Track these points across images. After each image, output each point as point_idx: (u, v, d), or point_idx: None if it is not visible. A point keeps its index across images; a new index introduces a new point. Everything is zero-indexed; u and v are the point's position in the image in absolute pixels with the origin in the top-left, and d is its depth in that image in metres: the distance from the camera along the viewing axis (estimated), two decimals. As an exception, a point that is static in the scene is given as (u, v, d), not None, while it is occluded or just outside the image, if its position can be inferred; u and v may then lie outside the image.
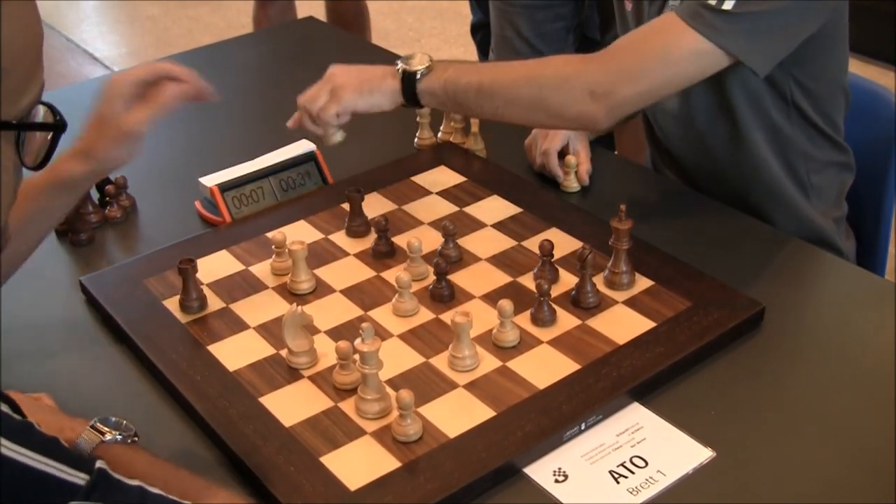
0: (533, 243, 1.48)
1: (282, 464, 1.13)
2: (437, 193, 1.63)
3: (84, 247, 1.58)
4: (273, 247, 1.46)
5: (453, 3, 4.76)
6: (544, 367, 1.26)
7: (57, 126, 0.90)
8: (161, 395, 1.29)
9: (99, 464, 0.85)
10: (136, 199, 1.69)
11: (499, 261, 1.47)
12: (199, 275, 1.41)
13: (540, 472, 1.15)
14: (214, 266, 1.48)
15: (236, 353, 1.31)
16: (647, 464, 1.16)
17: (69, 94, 2.04)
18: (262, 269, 1.47)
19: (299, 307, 1.26)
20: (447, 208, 1.59)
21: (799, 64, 1.53)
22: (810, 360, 1.32)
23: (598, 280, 1.40)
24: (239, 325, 1.36)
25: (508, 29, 2.53)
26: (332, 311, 1.38)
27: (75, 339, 1.41)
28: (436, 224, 1.55)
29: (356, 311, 1.38)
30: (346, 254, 1.50)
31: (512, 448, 1.15)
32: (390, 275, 1.44)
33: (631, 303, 1.37)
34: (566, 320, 1.34)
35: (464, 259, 1.47)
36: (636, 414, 1.23)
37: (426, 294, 1.39)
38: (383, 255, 1.48)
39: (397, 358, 1.27)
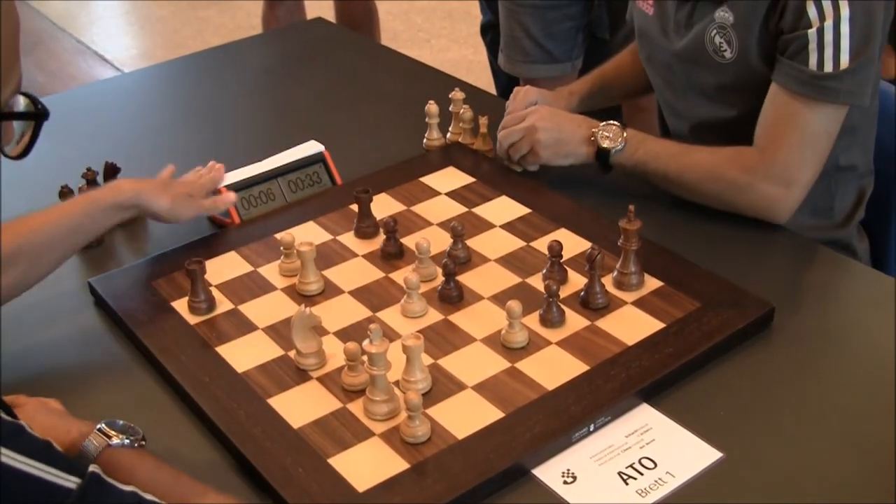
0: (541, 244, 1.48)
1: (290, 465, 1.13)
2: (445, 194, 1.63)
3: (93, 248, 1.58)
4: (282, 248, 1.46)
5: (463, 4, 4.75)
6: (553, 368, 1.26)
7: (39, 114, 0.90)
8: (169, 397, 1.29)
9: (92, 468, 0.85)
10: (146, 200, 1.69)
11: (507, 261, 1.46)
12: (207, 276, 1.41)
13: (548, 473, 1.15)
14: (223, 267, 1.48)
15: (245, 354, 1.31)
16: (656, 465, 1.15)
17: (80, 95, 2.04)
18: (270, 271, 1.47)
19: (308, 308, 1.26)
20: (456, 209, 1.59)
21: None
22: (821, 361, 1.32)
23: (607, 281, 1.40)
24: (247, 327, 1.36)
25: (518, 29, 2.52)
26: (340, 312, 1.37)
27: (84, 341, 1.41)
28: (444, 225, 1.54)
29: (365, 312, 1.38)
30: (355, 255, 1.50)
31: (520, 449, 1.14)
32: (399, 276, 1.43)
33: (640, 303, 1.37)
34: (575, 321, 1.34)
35: (472, 260, 1.47)
36: (645, 415, 1.22)
37: (435, 295, 1.39)
38: (392, 255, 1.48)
39: (406, 359, 1.27)
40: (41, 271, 1.35)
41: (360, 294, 1.41)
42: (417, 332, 1.30)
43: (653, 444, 1.18)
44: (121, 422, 1.13)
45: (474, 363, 1.28)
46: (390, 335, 1.31)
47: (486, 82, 3.15)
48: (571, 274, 1.42)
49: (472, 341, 1.31)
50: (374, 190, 1.59)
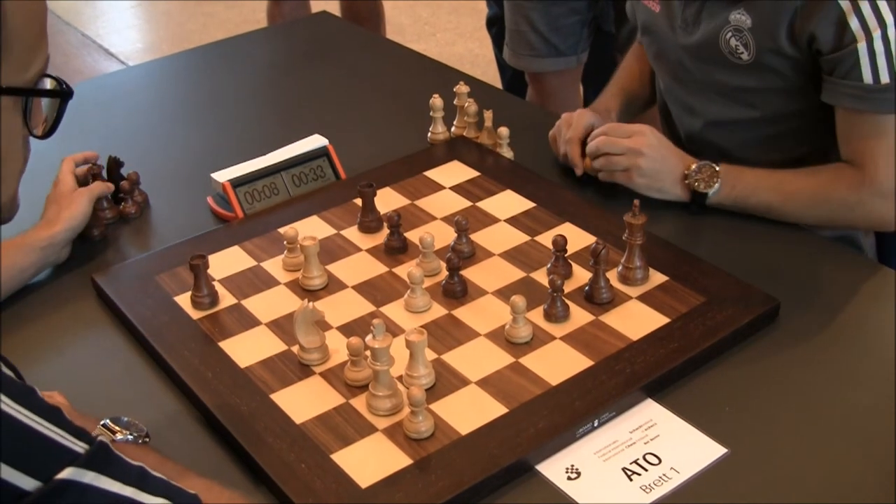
0: (546, 238, 1.47)
1: (293, 461, 1.13)
2: (449, 188, 1.63)
3: (96, 243, 1.57)
4: (285, 242, 1.45)
5: (469, -3, 4.75)
6: (557, 364, 1.25)
7: (64, 93, 0.91)
8: (172, 392, 1.28)
9: (101, 438, 0.85)
10: (148, 194, 1.68)
11: (512, 256, 1.46)
12: (210, 271, 1.40)
13: (552, 469, 1.14)
14: (226, 262, 1.47)
15: (248, 349, 1.30)
16: (660, 461, 1.15)
17: (85, 89, 2.03)
18: (274, 265, 1.46)
19: (311, 303, 1.26)
20: (460, 203, 1.59)
21: None
22: (827, 356, 1.31)
23: (612, 275, 1.39)
24: (250, 322, 1.36)
25: (523, 23, 2.52)
26: (343, 307, 1.37)
27: (87, 336, 1.41)
28: (448, 219, 1.54)
29: (368, 307, 1.37)
30: (359, 249, 1.49)
31: (524, 445, 1.14)
32: (402, 270, 1.43)
33: (645, 298, 1.36)
34: (579, 316, 1.33)
35: (476, 254, 1.46)
36: (650, 410, 1.22)
37: (438, 290, 1.39)
38: (395, 250, 1.47)
39: (409, 354, 1.26)
40: None
41: (364, 289, 1.41)
42: (421, 327, 1.30)
43: (657, 439, 1.18)
44: (125, 418, 1.13)
45: (478, 358, 1.27)
46: (394, 330, 1.30)
47: (492, 76, 3.15)
48: (576, 268, 1.42)
49: (476, 336, 1.31)
50: (378, 184, 1.58)
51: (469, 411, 1.19)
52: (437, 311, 1.35)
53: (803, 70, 1.53)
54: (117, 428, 1.10)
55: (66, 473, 0.80)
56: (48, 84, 0.90)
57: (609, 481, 1.12)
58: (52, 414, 0.82)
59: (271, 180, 1.63)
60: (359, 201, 1.55)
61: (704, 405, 1.23)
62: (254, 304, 1.39)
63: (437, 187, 1.63)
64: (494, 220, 1.54)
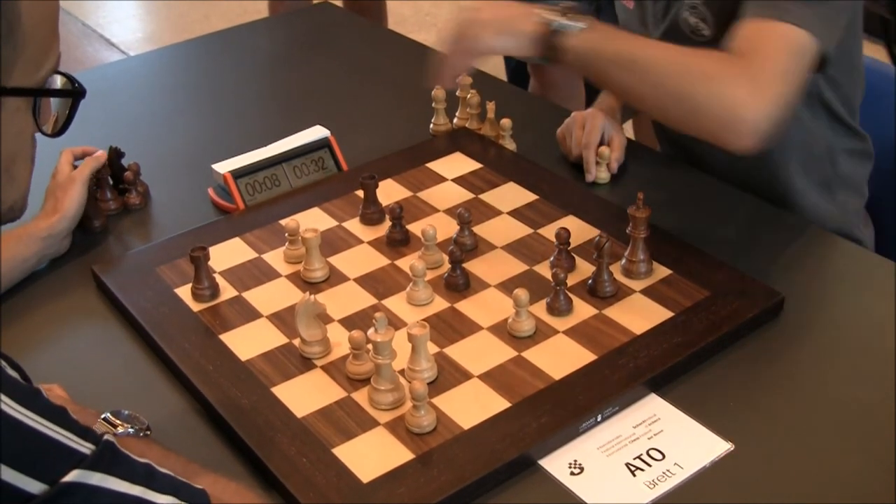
0: (549, 231, 1.46)
1: (294, 455, 1.12)
2: (452, 180, 1.61)
3: (96, 234, 1.56)
4: (286, 234, 1.44)
5: (471, -12, 4.72)
6: (560, 358, 1.24)
7: (76, 92, 0.91)
8: (172, 385, 1.27)
9: (107, 437, 0.84)
10: (149, 186, 1.67)
11: (514, 249, 1.45)
12: (211, 263, 1.39)
13: (555, 464, 1.13)
14: (227, 254, 1.46)
15: (249, 342, 1.30)
16: (664, 456, 1.14)
17: (86, 79, 2.01)
18: (275, 257, 1.45)
19: (312, 296, 1.25)
20: (462, 195, 1.58)
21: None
22: (831, 350, 1.30)
23: (615, 269, 1.38)
24: (251, 314, 1.35)
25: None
26: (345, 300, 1.36)
27: (86, 328, 1.40)
28: (451, 211, 1.53)
29: (370, 300, 1.36)
30: (360, 241, 1.48)
31: (527, 440, 1.13)
32: (404, 263, 1.42)
33: (648, 292, 1.35)
34: (582, 309, 1.32)
35: (479, 247, 1.45)
36: (653, 405, 1.21)
37: (441, 282, 1.38)
38: (398, 242, 1.46)
39: (411, 348, 1.25)
40: None
41: (366, 281, 1.40)
42: (423, 320, 1.29)
43: (661, 434, 1.17)
44: (125, 411, 1.13)
45: (481, 352, 1.26)
46: (395, 323, 1.29)
47: (492, 67, 3.13)
48: (579, 261, 1.41)
49: (479, 330, 1.30)
50: (380, 176, 1.57)
51: (471, 405, 1.18)
52: (440, 304, 1.35)
53: None
54: (118, 422, 1.10)
55: (73, 476, 0.80)
56: (58, 81, 0.89)
57: (612, 477, 1.12)
58: (58, 414, 0.82)
59: (273, 171, 1.62)
60: (361, 193, 1.54)
61: (708, 400, 1.22)
62: (255, 296, 1.38)
63: (440, 179, 1.62)
64: (497, 213, 1.53)
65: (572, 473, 1.12)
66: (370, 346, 1.18)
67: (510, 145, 1.71)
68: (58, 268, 1.49)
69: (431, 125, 1.79)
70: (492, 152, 1.69)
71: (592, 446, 1.15)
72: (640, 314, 1.31)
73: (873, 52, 3.54)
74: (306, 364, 1.26)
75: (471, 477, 1.08)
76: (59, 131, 0.93)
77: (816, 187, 1.64)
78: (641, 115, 1.85)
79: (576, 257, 1.41)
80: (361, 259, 1.44)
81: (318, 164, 1.66)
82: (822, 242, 1.52)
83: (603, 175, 1.63)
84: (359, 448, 1.13)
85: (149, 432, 1.12)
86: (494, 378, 1.22)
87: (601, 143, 1.64)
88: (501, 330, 1.29)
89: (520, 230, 1.49)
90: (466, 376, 1.22)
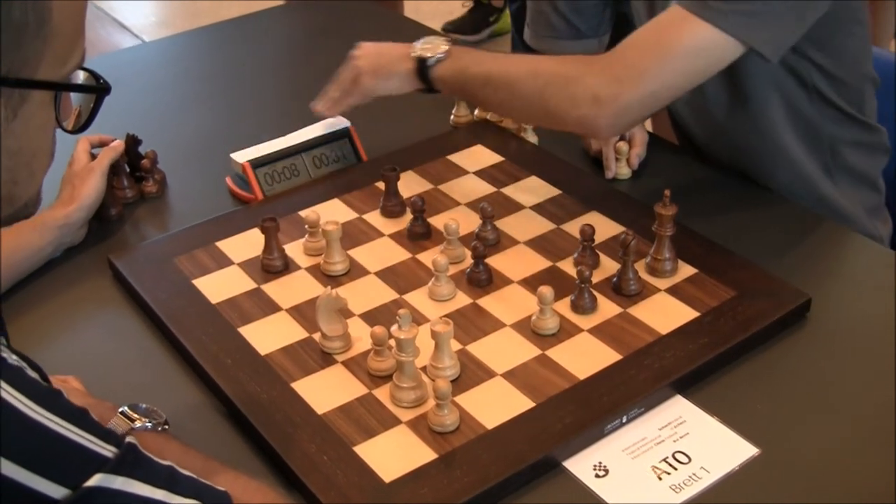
0: (572, 227, 1.44)
1: (314, 453, 1.10)
2: (473, 173, 1.59)
3: (112, 223, 1.55)
4: (306, 226, 1.42)
5: (486, -25, 4.68)
6: (585, 357, 1.22)
7: (101, 89, 0.89)
8: (189, 377, 1.26)
9: (129, 439, 0.82)
10: (167, 174, 1.65)
11: (537, 244, 1.43)
12: (228, 253, 1.39)
13: (580, 466, 1.11)
14: (245, 245, 1.44)
15: (268, 335, 1.28)
16: (690, 460, 1.12)
17: (100, 65, 2.00)
18: (294, 249, 1.43)
19: (334, 290, 1.23)
20: (484, 189, 1.55)
21: (816, 46, 1.48)
22: (858, 352, 1.27)
23: (640, 266, 1.36)
24: (270, 307, 1.33)
25: (545, 4, 2.47)
26: (366, 294, 1.34)
27: (103, 319, 1.38)
28: (472, 205, 1.51)
29: (391, 295, 1.34)
30: (381, 234, 1.46)
31: (551, 441, 1.11)
32: (426, 257, 1.40)
33: (673, 291, 1.33)
34: (607, 308, 1.30)
35: (501, 242, 1.43)
36: (678, 407, 1.19)
37: (463, 278, 1.36)
38: (419, 236, 1.44)
39: (433, 344, 1.23)
40: None
41: (387, 275, 1.38)
42: (445, 316, 1.27)
43: (686, 437, 1.15)
44: (143, 405, 1.11)
45: (504, 350, 1.24)
46: (417, 319, 1.27)
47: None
48: (603, 259, 1.38)
49: (502, 327, 1.28)
50: (400, 167, 1.54)
51: (495, 405, 1.16)
52: (462, 299, 1.32)
53: None
54: (136, 416, 1.08)
55: (95, 480, 0.78)
56: (81, 76, 0.87)
57: (638, 480, 1.10)
58: (79, 417, 0.80)
59: (292, 161, 1.60)
60: (381, 185, 1.52)
61: (734, 402, 1.20)
62: (274, 289, 1.36)
63: (461, 172, 1.60)
64: (519, 207, 1.51)
65: (597, 476, 1.10)
66: (392, 343, 1.16)
67: (531, 138, 1.69)
68: (74, 257, 1.47)
69: (452, 116, 1.77)
70: (513, 145, 1.67)
71: (617, 448, 1.13)
72: (665, 313, 1.29)
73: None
74: (326, 359, 1.24)
75: (495, 478, 1.07)
76: (80, 128, 0.90)
77: (822, 176, 1.61)
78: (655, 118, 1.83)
79: (599, 254, 1.39)
80: (382, 252, 1.42)
81: (338, 155, 1.63)
82: (843, 240, 1.49)
83: (623, 171, 1.61)
84: (380, 446, 1.11)
85: (167, 426, 1.10)
86: (518, 377, 1.20)
87: (622, 139, 1.62)
88: (525, 327, 1.27)
89: (542, 225, 1.46)
90: (490, 374, 1.20)
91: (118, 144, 1.55)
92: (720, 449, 1.13)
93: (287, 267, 1.39)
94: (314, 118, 1.67)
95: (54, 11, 0.78)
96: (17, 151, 0.81)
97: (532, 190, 1.54)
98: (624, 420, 1.16)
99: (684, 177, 1.61)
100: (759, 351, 1.27)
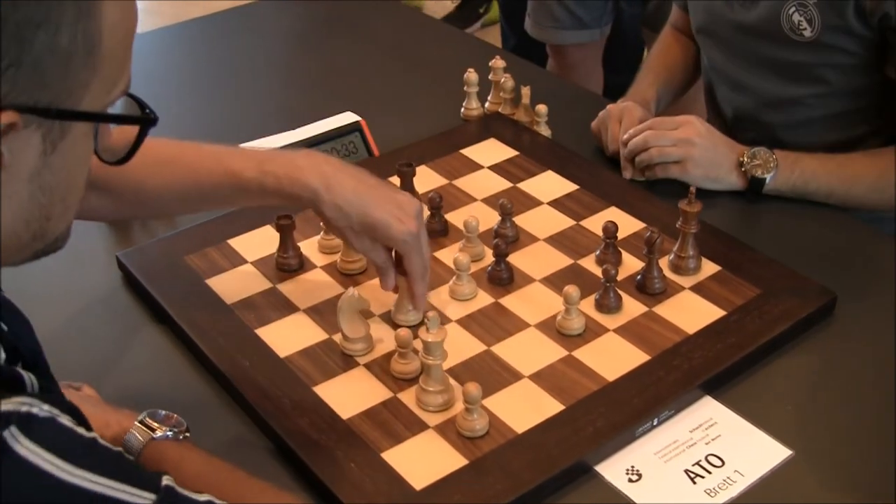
0: (592, 223, 1.41)
1: (341, 459, 1.07)
2: (488, 168, 1.56)
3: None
4: (322, 224, 1.39)
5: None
6: (612, 357, 1.20)
7: (146, 120, 0.83)
8: (207, 381, 1.22)
9: (165, 480, 0.79)
10: (173, 169, 1.61)
11: (557, 241, 1.40)
12: (241, 252, 1.36)
13: (612, 470, 1.09)
14: (258, 242, 1.41)
15: (286, 337, 1.24)
16: (723, 463, 1.10)
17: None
18: (309, 247, 1.40)
19: (356, 291, 1.20)
20: (500, 184, 1.52)
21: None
22: (886, 350, 1.25)
23: (663, 264, 1.33)
24: (287, 308, 1.29)
25: (549, -6, 2.45)
26: (384, 294, 1.29)
27: (113, 320, 1.34)
28: (489, 201, 1.48)
29: (410, 294, 1.31)
30: (397, 231, 1.43)
31: (583, 445, 1.08)
32: (444, 255, 1.37)
33: (698, 289, 1.31)
34: (632, 307, 1.28)
35: (521, 239, 1.40)
36: (709, 409, 1.16)
37: (483, 276, 1.33)
38: (437, 233, 1.41)
39: (458, 345, 1.20)
40: None
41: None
42: (467, 315, 1.25)
43: (719, 439, 1.13)
44: (162, 412, 1.07)
45: (529, 351, 1.21)
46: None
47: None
48: (625, 256, 1.36)
49: (526, 327, 1.25)
50: (413, 162, 1.51)
51: (523, 408, 1.13)
52: (484, 299, 1.30)
53: (869, 47, 1.46)
54: (156, 424, 1.04)
55: None
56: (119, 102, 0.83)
57: (672, 484, 1.07)
58: (115, 465, 0.76)
59: (302, 156, 1.56)
60: (395, 180, 1.48)
61: (764, 403, 1.17)
62: (289, 288, 1.33)
63: (475, 166, 1.57)
64: (537, 203, 1.48)
65: (630, 480, 1.08)
66: (416, 344, 1.13)
67: (545, 132, 1.66)
68: (81, 254, 1.43)
69: (463, 109, 1.74)
70: (526, 139, 1.64)
71: (649, 451, 1.11)
72: (691, 312, 1.27)
73: None
74: (348, 362, 1.20)
75: (528, 484, 1.04)
76: (119, 160, 0.85)
77: None
78: (677, 104, 1.80)
79: (622, 251, 1.36)
80: (399, 250, 1.39)
81: (349, 149, 1.60)
82: (868, 237, 1.47)
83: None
84: (408, 452, 1.08)
85: (188, 434, 1.06)
86: (545, 379, 1.17)
87: None
88: (549, 327, 1.24)
89: (562, 222, 1.43)
90: (516, 377, 1.18)
91: None
92: (753, 451, 1.11)
93: (302, 265, 1.36)
94: (324, 112, 1.64)
95: (104, 35, 0.74)
96: (54, 187, 0.77)
97: (548, 185, 1.52)
98: (654, 423, 1.13)
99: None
100: (785, 350, 1.25)
